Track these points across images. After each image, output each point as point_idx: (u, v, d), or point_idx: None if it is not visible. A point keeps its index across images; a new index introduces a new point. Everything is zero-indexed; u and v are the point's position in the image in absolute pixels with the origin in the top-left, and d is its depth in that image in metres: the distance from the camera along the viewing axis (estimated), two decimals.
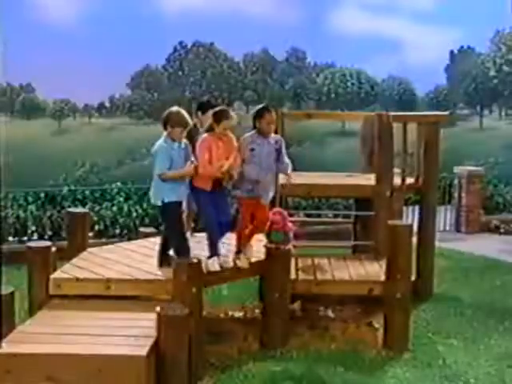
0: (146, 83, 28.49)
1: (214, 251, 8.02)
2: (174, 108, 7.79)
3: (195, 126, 8.69)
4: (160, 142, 7.61)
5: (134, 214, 13.66)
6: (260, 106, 8.42)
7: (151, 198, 7.89)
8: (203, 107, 9.36)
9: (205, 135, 7.85)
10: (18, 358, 5.33)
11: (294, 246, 8.75)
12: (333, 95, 29.19)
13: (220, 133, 7.77)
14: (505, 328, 8.88)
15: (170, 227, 7.95)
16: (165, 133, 7.62)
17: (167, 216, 7.86)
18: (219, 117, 7.79)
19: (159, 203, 7.69)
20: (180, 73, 29.23)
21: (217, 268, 7.91)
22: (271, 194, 8.39)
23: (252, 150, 7.95)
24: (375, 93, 30.10)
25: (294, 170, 10.98)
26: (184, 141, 7.75)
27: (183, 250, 7.71)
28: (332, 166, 14.49)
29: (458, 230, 15.55)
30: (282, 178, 9.94)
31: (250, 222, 8.19)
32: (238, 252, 8.22)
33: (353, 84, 29.33)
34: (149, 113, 28.78)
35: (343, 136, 25.14)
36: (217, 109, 8.05)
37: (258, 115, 8.06)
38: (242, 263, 8.11)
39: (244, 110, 30.88)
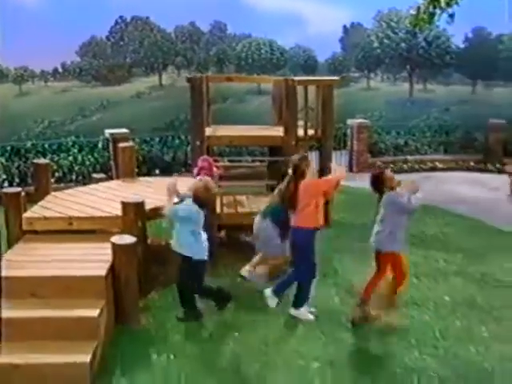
0: (92, 51, 27.83)
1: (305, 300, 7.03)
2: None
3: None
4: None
5: (87, 163, 13.55)
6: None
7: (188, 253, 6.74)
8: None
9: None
10: (8, 280, 5.44)
11: (219, 186, 8.82)
12: (250, 61, 29.12)
13: None
14: None
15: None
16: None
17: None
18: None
19: (197, 258, 6.72)
20: (121, 43, 28.68)
21: (311, 318, 6.90)
22: None
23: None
24: (284, 59, 30.15)
25: (219, 124, 11.16)
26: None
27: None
28: (250, 119, 14.66)
29: (350, 170, 15.72)
30: (208, 131, 10.14)
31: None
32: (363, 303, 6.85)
33: (266, 51, 29.31)
34: (96, 77, 28.17)
35: (259, 94, 25.11)
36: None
37: None
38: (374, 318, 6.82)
39: (176, 73, 30.38)
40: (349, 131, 16.41)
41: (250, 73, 29.05)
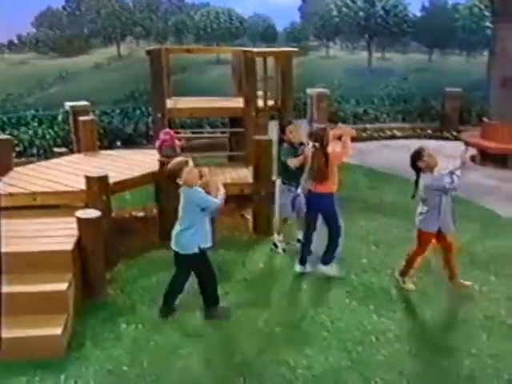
0: (48, 22, 27.29)
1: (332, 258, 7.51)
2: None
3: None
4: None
5: (48, 137, 13.42)
6: None
7: (181, 248, 6.32)
8: None
9: None
10: None
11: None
12: (209, 30, 28.88)
13: None
14: (354, 211, 9.38)
15: (209, 273, 6.47)
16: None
17: (205, 262, 6.40)
18: None
19: (196, 250, 6.25)
20: (78, 13, 28.16)
21: (336, 274, 7.41)
22: None
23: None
24: (243, 28, 29.99)
25: (180, 95, 11.21)
26: None
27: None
28: (210, 90, 14.73)
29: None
30: (169, 103, 10.21)
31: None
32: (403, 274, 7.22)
33: (225, 21, 29.09)
34: (53, 48, 27.57)
35: (218, 64, 25.01)
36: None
37: None
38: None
39: (134, 43, 29.95)
40: (308, 100, 16.51)
41: (209, 42, 28.91)
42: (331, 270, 7.48)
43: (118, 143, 14.02)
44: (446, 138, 16.28)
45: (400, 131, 16.82)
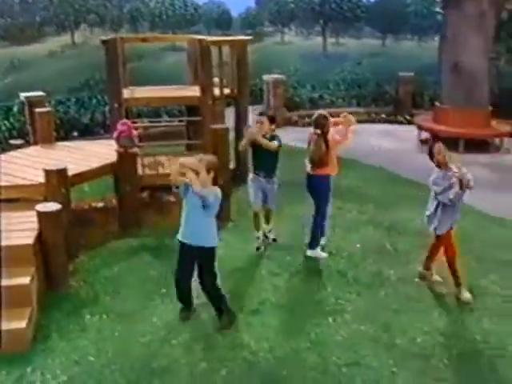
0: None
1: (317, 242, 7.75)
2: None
3: None
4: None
5: (3, 128, 13.23)
6: None
7: (202, 241, 5.92)
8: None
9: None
10: None
11: (139, 146, 8.97)
12: (164, 17, 28.64)
13: None
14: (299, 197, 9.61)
15: (211, 268, 6.14)
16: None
17: (213, 258, 6.11)
18: None
19: (214, 244, 6.05)
20: (30, 0, 27.58)
21: (325, 256, 7.68)
22: None
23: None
24: (198, 14, 29.81)
25: (137, 83, 11.19)
26: None
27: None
28: (167, 77, 14.69)
29: None
30: (125, 93, 10.22)
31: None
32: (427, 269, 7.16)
33: (180, 7, 28.84)
34: (4, 37, 27.03)
35: (174, 51, 24.86)
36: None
37: None
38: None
39: (88, 31, 29.55)
40: (265, 87, 16.65)
41: (164, 30, 28.65)
42: (318, 253, 7.70)
43: (75, 133, 13.95)
44: (400, 122, 16.70)
45: (355, 115, 16.89)
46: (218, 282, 6.18)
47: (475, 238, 8.33)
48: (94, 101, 15.20)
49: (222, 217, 8.82)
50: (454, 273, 6.77)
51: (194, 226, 5.88)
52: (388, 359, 5.63)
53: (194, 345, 5.81)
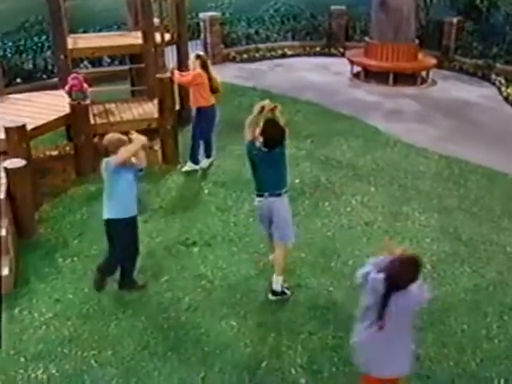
0: None
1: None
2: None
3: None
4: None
5: None
6: None
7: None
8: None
9: None
10: None
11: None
12: None
13: None
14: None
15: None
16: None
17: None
18: None
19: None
20: None
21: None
22: None
23: None
24: None
25: (76, 25, 11.40)
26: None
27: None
28: (104, 21, 14.95)
29: None
30: (69, 42, 10.59)
31: None
32: None
33: None
34: None
35: None
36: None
37: None
38: None
39: None
40: (202, 24, 17.00)
41: None
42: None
43: (18, 80, 14.11)
44: (334, 55, 17.36)
45: (290, 50, 17.69)
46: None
47: (400, 168, 9.40)
48: (32, 45, 15.19)
49: (171, 160, 9.71)
50: None
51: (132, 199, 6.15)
52: (325, 280, 6.67)
53: (160, 277, 6.70)
